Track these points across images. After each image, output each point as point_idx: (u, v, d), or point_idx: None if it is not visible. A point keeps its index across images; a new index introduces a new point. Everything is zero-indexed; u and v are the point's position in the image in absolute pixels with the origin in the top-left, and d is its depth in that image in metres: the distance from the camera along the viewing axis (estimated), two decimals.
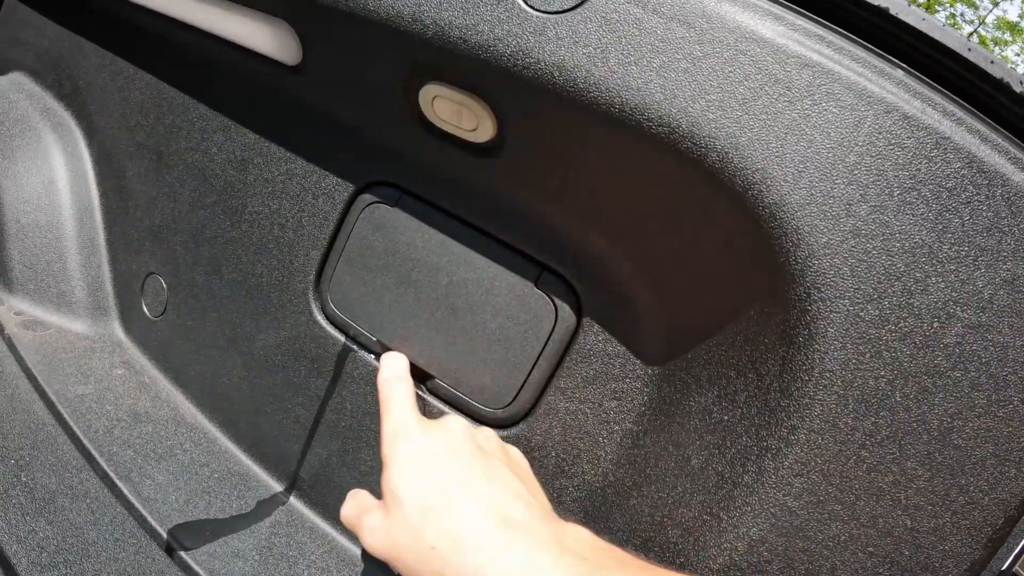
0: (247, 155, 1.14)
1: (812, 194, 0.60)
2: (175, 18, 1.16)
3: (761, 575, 0.66)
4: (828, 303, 0.61)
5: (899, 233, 0.60)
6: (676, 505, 0.72)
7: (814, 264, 0.61)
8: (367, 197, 0.98)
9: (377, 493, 1.02)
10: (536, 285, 0.86)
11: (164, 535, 0.93)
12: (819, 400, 0.62)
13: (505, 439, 0.91)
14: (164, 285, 1.29)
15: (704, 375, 0.75)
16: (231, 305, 1.17)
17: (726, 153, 0.61)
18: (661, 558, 0.74)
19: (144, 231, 1.33)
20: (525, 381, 0.88)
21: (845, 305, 0.61)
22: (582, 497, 0.87)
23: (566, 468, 0.88)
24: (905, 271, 0.60)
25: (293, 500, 1.11)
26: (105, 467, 1.02)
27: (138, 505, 0.97)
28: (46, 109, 1.56)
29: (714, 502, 0.68)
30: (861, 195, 0.60)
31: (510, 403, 0.90)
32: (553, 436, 0.88)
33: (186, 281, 1.25)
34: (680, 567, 0.71)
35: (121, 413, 1.17)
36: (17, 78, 1.71)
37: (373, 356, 0.99)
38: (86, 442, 1.06)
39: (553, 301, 0.86)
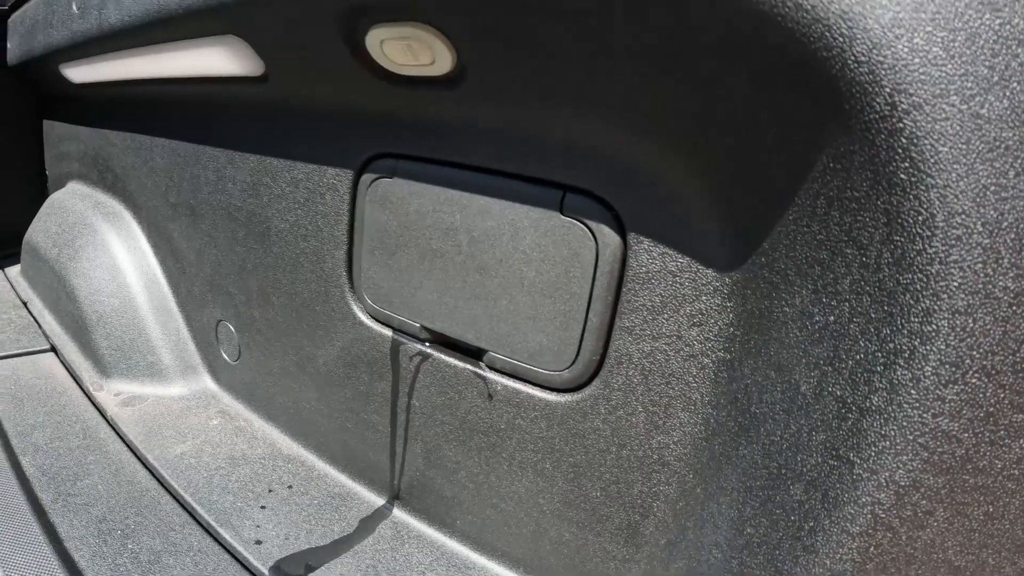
0: (256, 178, 1.12)
1: None
2: (155, 77, 1.20)
3: (923, 532, 0.47)
4: (928, 107, 0.41)
5: None
6: (793, 450, 0.55)
7: (886, 56, 0.42)
8: (367, 177, 0.92)
9: (467, 490, 0.99)
10: (561, 212, 0.74)
11: (266, 573, 0.91)
12: (955, 261, 0.42)
13: (581, 403, 0.79)
14: (232, 329, 1.31)
15: (791, 268, 0.56)
16: (288, 331, 1.16)
17: None
18: (784, 522, 0.55)
19: (203, 283, 1.36)
20: (584, 329, 0.76)
21: (954, 102, 0.41)
22: (687, 453, 0.73)
23: (659, 422, 0.75)
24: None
25: (396, 511, 1.07)
26: (207, 517, 1.03)
27: (239, 548, 0.97)
28: (97, 204, 1.66)
29: (839, 440, 0.50)
30: None
31: (574, 360, 0.78)
32: (635, 388, 0.75)
33: (247, 319, 1.26)
34: (811, 532, 0.52)
35: (219, 461, 1.19)
36: (72, 187, 1.85)
37: (424, 344, 0.92)
38: (187, 497, 1.08)
39: (586, 224, 0.73)
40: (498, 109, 0.75)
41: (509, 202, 0.78)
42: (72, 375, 1.52)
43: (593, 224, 0.73)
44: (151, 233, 1.51)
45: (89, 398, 1.43)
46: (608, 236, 0.72)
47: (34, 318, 1.77)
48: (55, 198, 1.88)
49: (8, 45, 2.02)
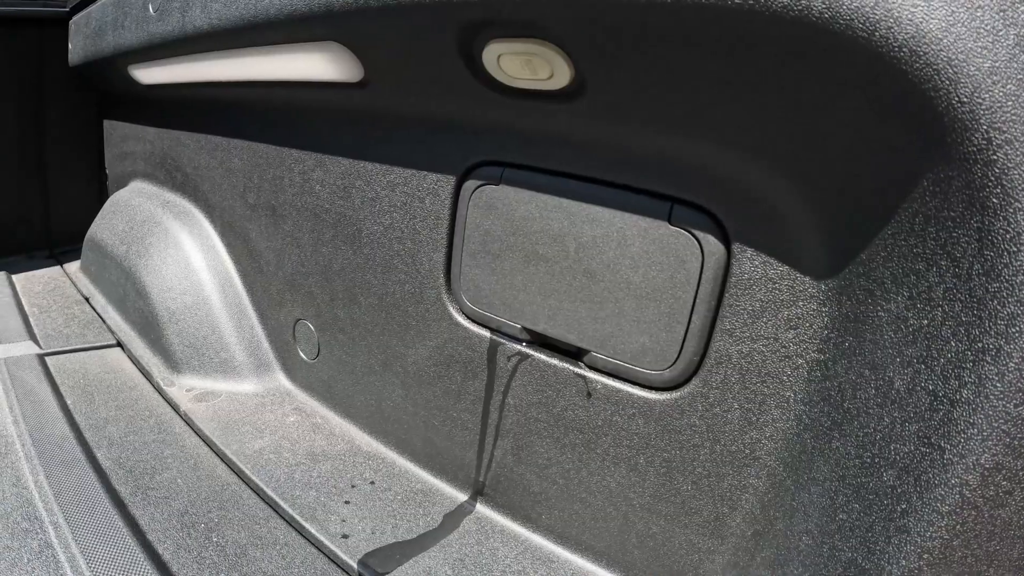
0: (347, 181, 1.22)
1: (953, 12, 0.54)
2: (237, 80, 1.29)
3: (1002, 510, 0.56)
4: (1018, 142, 0.53)
5: None
6: (887, 440, 0.65)
7: (984, 98, 0.54)
8: (471, 183, 1.02)
9: (557, 485, 1.09)
10: (670, 222, 0.84)
11: (355, 566, 1.00)
12: None
13: (679, 401, 0.91)
14: (312, 328, 1.42)
15: (887, 276, 0.69)
16: (376, 330, 1.27)
17: None
18: (877, 506, 0.65)
19: (281, 283, 1.47)
20: (687, 331, 0.89)
21: None
22: (778, 448, 0.85)
23: (753, 418, 0.87)
24: None
25: (480, 507, 1.16)
26: (291, 512, 1.14)
27: (326, 542, 1.07)
28: (166, 203, 1.78)
29: (931, 429, 0.59)
30: None
31: (676, 360, 0.89)
32: (732, 386, 0.87)
33: (330, 319, 1.36)
34: (903, 514, 0.62)
35: (299, 457, 1.29)
36: (136, 185, 1.98)
37: (522, 344, 1.00)
38: (269, 491, 1.19)
39: (693, 234, 0.84)
40: (612, 125, 0.86)
41: (617, 211, 0.88)
42: (141, 370, 1.63)
43: (699, 234, 0.83)
44: (225, 232, 1.63)
45: (160, 393, 1.55)
46: (713, 245, 0.82)
47: (97, 313, 1.90)
48: (119, 196, 2.01)
49: (70, 46, 2.17)
